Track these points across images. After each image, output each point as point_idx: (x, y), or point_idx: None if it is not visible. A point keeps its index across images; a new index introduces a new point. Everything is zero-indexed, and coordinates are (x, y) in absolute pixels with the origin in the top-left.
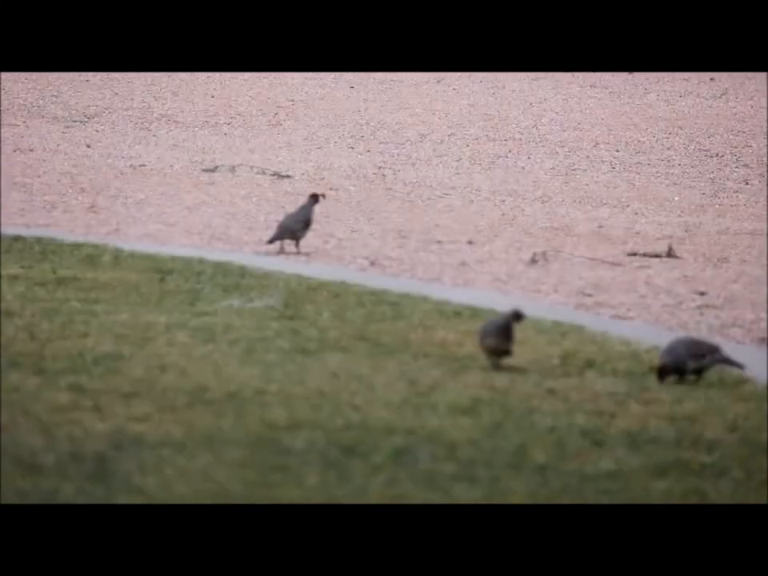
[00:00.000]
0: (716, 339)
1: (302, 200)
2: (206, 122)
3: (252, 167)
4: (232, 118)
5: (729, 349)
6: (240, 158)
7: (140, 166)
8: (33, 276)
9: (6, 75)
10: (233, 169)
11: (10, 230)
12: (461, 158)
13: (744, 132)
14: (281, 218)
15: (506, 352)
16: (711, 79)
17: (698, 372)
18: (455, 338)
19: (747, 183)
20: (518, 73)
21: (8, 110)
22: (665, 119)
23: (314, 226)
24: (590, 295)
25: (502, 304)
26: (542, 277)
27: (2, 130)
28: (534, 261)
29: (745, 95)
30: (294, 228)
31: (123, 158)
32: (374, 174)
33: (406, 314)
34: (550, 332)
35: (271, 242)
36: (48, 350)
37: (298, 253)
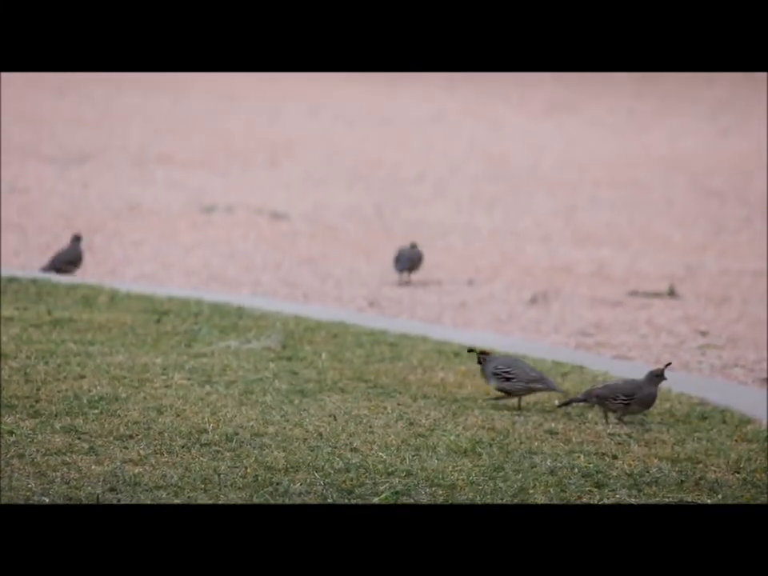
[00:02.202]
0: (718, 379)
1: (300, 240)
2: (204, 161)
3: (250, 207)
4: (229, 157)
5: (731, 389)
6: (237, 197)
7: (136, 206)
8: (28, 317)
9: (1, 117)
10: (230, 209)
11: (5, 271)
12: (461, 198)
13: (746, 171)
14: (278, 257)
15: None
16: (712, 117)
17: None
18: (455, 378)
19: (749, 222)
20: (518, 112)
21: (3, 150)
22: (666, 158)
23: (311, 266)
24: (590, 335)
25: (503, 344)
26: (542, 317)
27: None
28: (534, 301)
29: (746, 134)
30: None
31: (119, 198)
32: (373, 213)
33: (405, 355)
34: (550, 372)
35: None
36: (43, 392)
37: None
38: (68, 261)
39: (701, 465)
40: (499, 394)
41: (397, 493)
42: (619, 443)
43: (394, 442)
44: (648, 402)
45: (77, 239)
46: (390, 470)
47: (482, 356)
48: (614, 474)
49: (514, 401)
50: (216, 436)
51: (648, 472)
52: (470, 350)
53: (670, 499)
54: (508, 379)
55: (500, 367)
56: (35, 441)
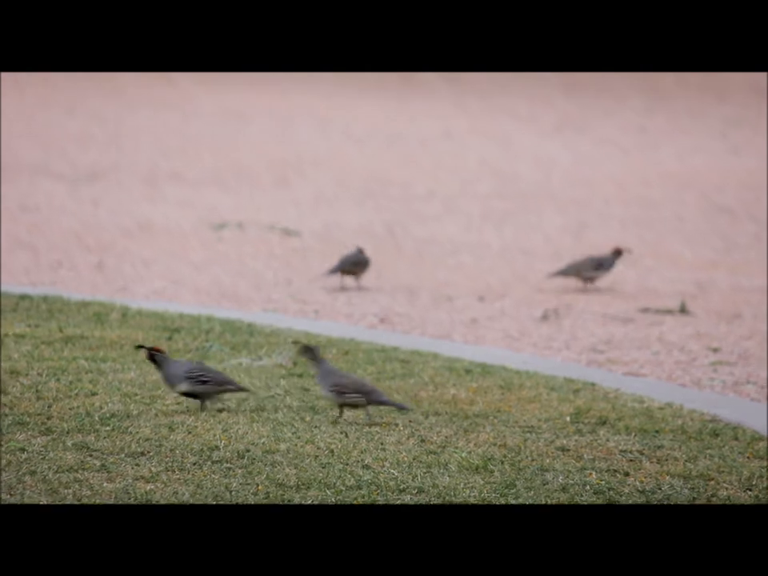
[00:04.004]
0: (730, 396)
1: (311, 257)
2: (214, 179)
3: (260, 224)
4: (240, 175)
5: (743, 406)
6: (248, 215)
7: (147, 223)
8: (39, 335)
9: (10, 135)
10: (241, 226)
11: (16, 289)
12: (471, 215)
13: (756, 188)
14: (289, 275)
15: None
16: (723, 135)
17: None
18: (466, 395)
19: (759, 239)
20: (528, 129)
21: (14, 169)
22: (676, 175)
23: (322, 283)
24: (602, 352)
25: (514, 361)
26: (553, 333)
27: (8, 189)
28: (545, 317)
29: (757, 151)
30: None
31: (130, 215)
32: (384, 230)
33: (416, 372)
34: (561, 389)
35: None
36: (55, 409)
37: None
38: (355, 263)
39: (712, 482)
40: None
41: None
42: (631, 460)
43: (405, 458)
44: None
45: (360, 252)
46: (401, 486)
47: (155, 354)
48: (626, 490)
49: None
50: (227, 453)
51: (660, 489)
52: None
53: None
54: (204, 382)
55: (194, 371)
56: (47, 458)
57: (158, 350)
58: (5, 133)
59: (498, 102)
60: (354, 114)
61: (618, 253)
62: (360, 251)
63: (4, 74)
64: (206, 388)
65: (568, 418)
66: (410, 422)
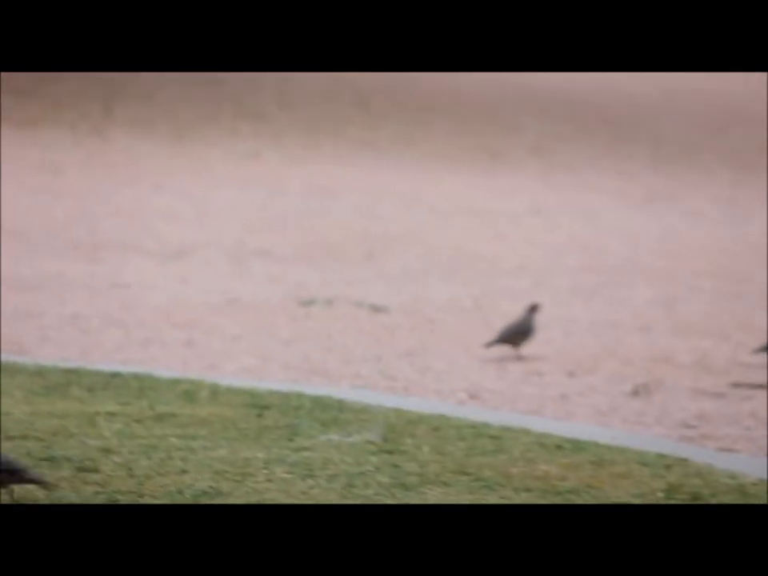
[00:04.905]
0: None
1: (399, 333)
2: (301, 255)
3: (348, 300)
4: (326, 251)
5: None
6: (335, 291)
7: (235, 300)
8: (130, 412)
9: (100, 214)
10: (329, 302)
11: (107, 367)
12: (560, 289)
13: None
14: (378, 350)
15: None
16: None
17: None
18: (557, 471)
19: None
20: (616, 203)
21: (104, 246)
22: (765, 248)
23: (411, 359)
24: (693, 427)
25: (604, 436)
26: (644, 408)
27: (99, 267)
28: (635, 392)
29: None
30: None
31: (218, 292)
32: (472, 305)
33: (506, 448)
34: (653, 465)
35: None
36: (147, 487)
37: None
38: (519, 332)
39: None
40: None
41: None
42: None
43: None
44: None
45: (533, 309)
46: None
47: None
48: None
49: None
50: None
51: None
52: None
53: None
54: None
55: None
56: None
57: None
58: (94, 213)
59: (585, 176)
60: (440, 189)
61: (533, 309)
62: (530, 312)
63: (91, 154)
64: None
65: (660, 494)
66: (501, 498)
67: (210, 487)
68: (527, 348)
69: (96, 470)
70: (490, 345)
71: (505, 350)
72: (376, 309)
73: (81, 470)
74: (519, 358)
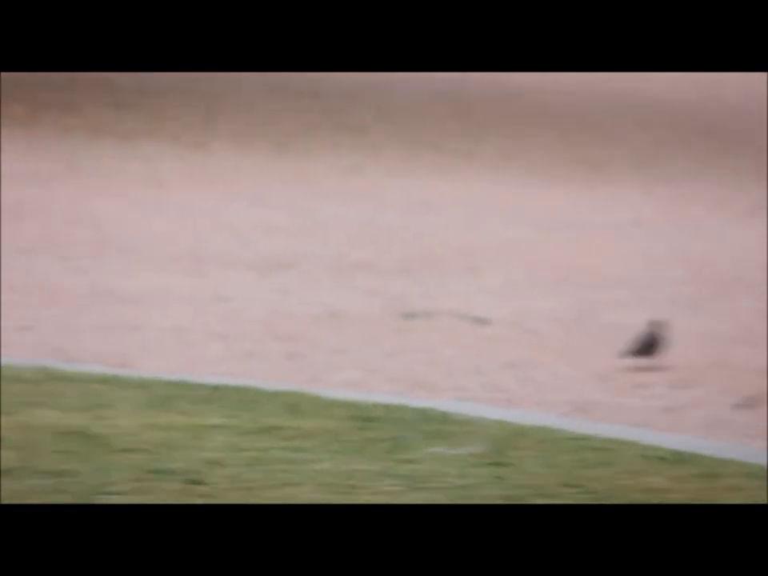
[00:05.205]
0: None
1: (502, 345)
2: (403, 268)
3: (450, 312)
4: (428, 263)
5: None
6: (438, 303)
7: (337, 312)
8: (235, 425)
9: (201, 229)
10: (431, 315)
11: (210, 380)
12: (662, 301)
13: None
14: (480, 362)
15: None
16: None
17: None
18: (664, 483)
19: None
20: (719, 214)
21: (206, 259)
22: None
23: (513, 371)
24: None
25: (711, 449)
26: (751, 420)
27: (201, 280)
28: (742, 405)
29: None
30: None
31: (320, 304)
32: (574, 317)
33: (612, 460)
34: (761, 477)
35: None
36: (253, 499)
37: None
38: (646, 345)
39: None
40: None
41: None
42: None
43: None
44: None
45: (657, 324)
46: None
47: None
48: None
49: None
50: None
51: None
52: None
53: None
54: None
55: None
56: None
57: None
58: (196, 225)
59: (688, 188)
60: (541, 202)
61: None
62: (656, 327)
63: (193, 166)
64: None
65: None
66: None
67: (316, 500)
68: (635, 361)
69: (203, 482)
70: (625, 356)
71: (610, 361)
72: (478, 321)
73: (188, 482)
74: (641, 370)
